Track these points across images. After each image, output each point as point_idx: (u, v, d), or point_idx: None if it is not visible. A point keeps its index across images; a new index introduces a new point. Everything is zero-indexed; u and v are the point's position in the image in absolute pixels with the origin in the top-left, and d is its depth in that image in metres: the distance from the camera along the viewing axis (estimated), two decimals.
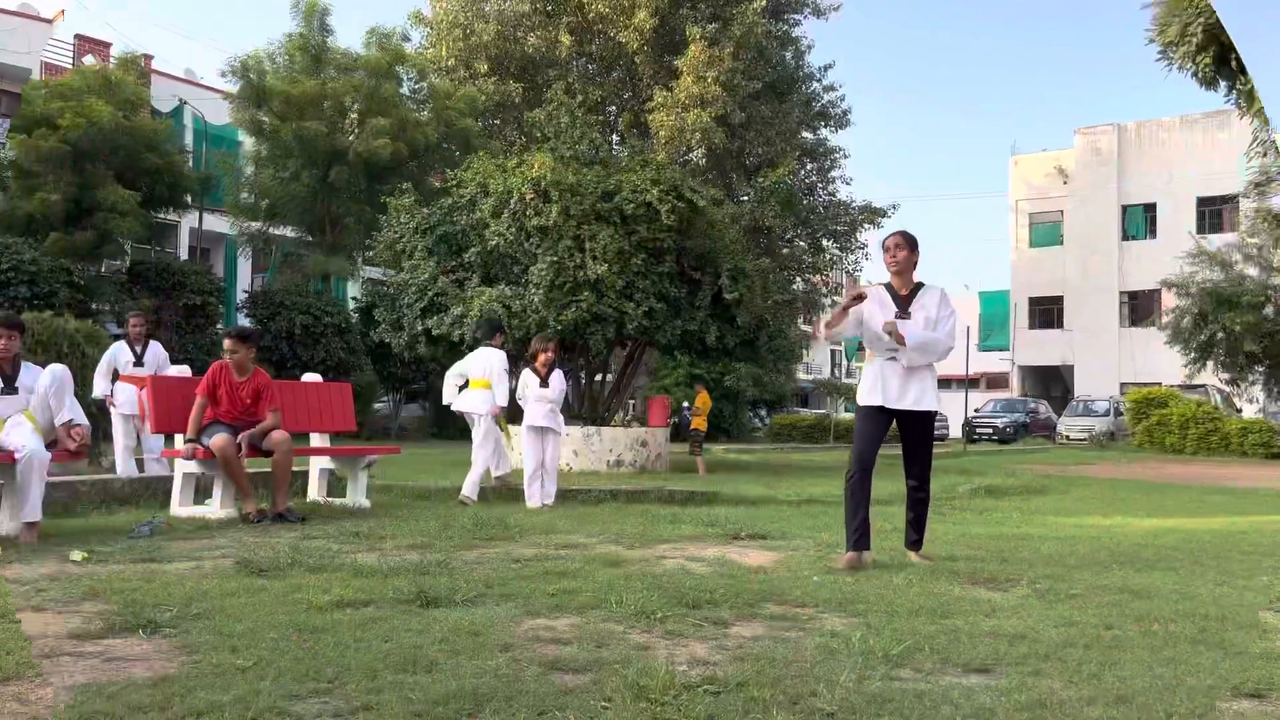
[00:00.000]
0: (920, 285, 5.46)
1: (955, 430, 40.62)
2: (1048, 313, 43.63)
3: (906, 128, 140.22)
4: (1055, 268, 42.55)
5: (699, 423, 14.11)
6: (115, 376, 9.17)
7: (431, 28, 28.94)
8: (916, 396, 5.23)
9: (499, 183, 13.01)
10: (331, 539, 5.69)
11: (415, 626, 3.42)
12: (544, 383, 8.35)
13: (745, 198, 21.07)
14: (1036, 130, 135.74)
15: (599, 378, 15.16)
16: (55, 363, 6.06)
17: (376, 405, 25.78)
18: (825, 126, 30.30)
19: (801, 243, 28.34)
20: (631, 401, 26.67)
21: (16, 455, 5.41)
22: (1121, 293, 40.76)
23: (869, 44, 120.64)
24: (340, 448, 8.18)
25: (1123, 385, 38.37)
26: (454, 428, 26.64)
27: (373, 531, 5.99)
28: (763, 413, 36.12)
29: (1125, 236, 40.94)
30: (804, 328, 44.09)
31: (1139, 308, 40.39)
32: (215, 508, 6.64)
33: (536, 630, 3.46)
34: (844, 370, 61.48)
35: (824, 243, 28.42)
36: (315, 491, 7.98)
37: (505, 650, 3.16)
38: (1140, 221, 40.87)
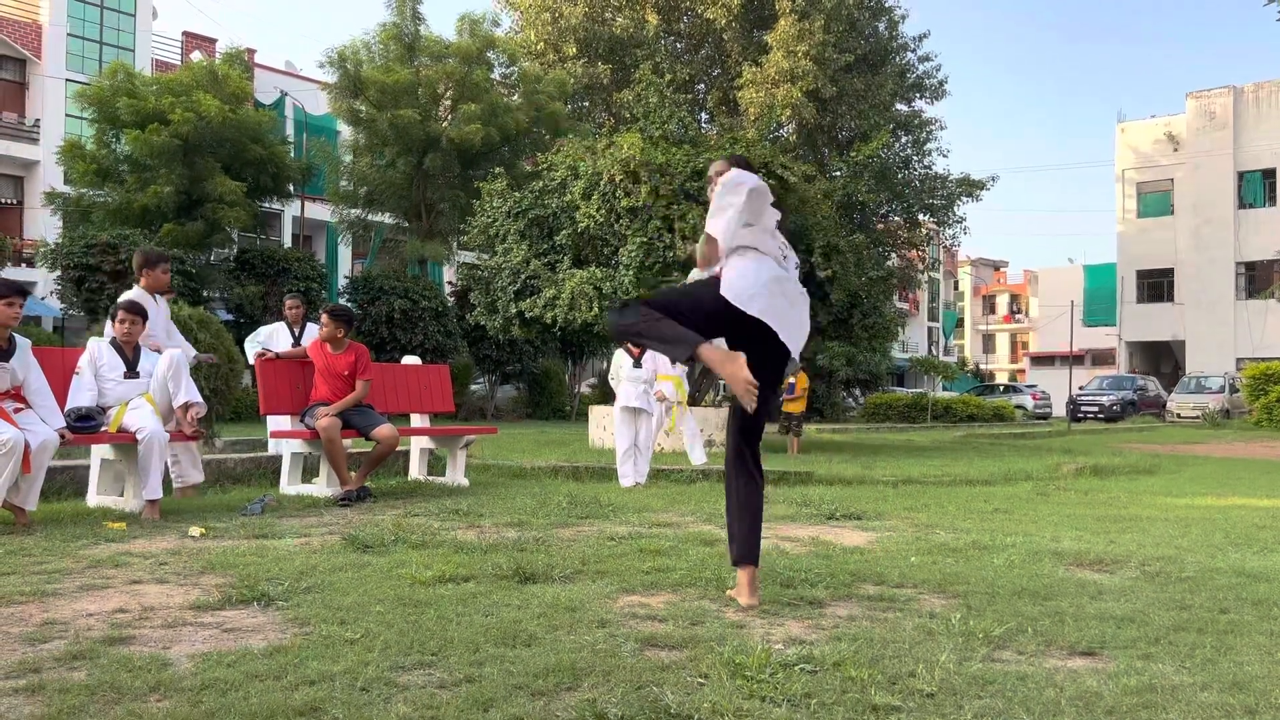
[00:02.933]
0: None
1: (1059, 409, 39.42)
2: (1157, 286, 41.88)
3: (1006, 96, 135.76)
4: (1165, 239, 40.77)
5: (795, 405, 13.76)
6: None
7: (521, 12, 29.18)
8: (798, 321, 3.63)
9: (589, 165, 13.07)
10: (432, 516, 5.84)
11: (514, 602, 3.50)
12: (637, 363, 8.40)
13: (838, 173, 20.72)
14: (1144, 96, 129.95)
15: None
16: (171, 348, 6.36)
17: (473, 386, 26.31)
18: (920, 98, 29.58)
19: (897, 217, 27.83)
20: (722, 381, 26.58)
21: (139, 436, 5.70)
22: (1238, 263, 38.80)
23: (966, 10, 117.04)
24: (439, 428, 8.38)
25: (1239, 360, 36.62)
26: (547, 408, 27.05)
27: (472, 509, 6.13)
28: (856, 392, 35.59)
29: (1242, 204, 38.92)
30: (899, 305, 43.19)
31: (1257, 278, 38.39)
32: (322, 486, 6.88)
33: (632, 607, 3.50)
34: (942, 348, 60.19)
35: (920, 217, 27.84)
36: (416, 470, 8.20)
37: (602, 626, 3.20)
38: (1258, 188, 38.78)
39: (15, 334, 5.35)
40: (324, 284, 23.95)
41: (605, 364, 29.56)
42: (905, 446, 15.67)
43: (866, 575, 4.17)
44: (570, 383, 28.47)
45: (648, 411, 8.45)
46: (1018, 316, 69.58)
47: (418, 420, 8.21)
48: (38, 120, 28.49)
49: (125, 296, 6.54)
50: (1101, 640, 3.14)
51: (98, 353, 5.94)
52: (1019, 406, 37.01)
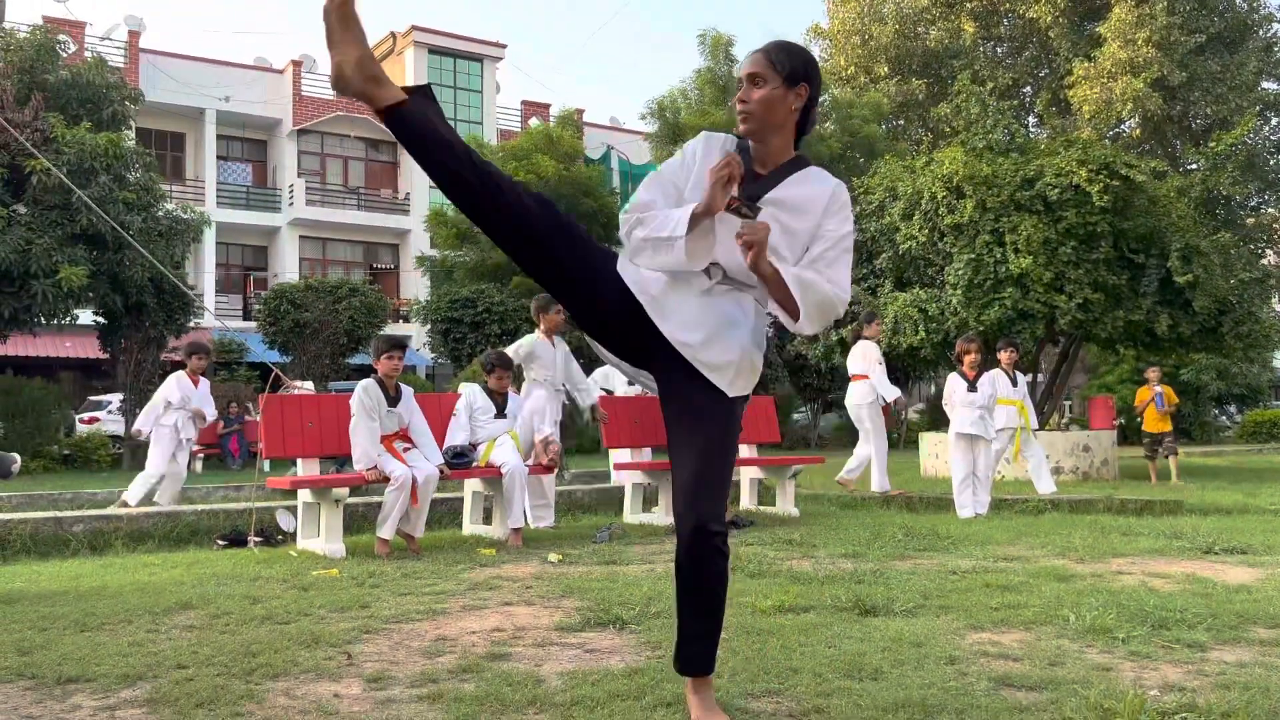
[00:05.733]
0: (799, 161, 2.73)
1: None
2: None
3: None
4: None
5: (1162, 424, 12.14)
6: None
7: (830, 39, 29.20)
8: (723, 350, 2.69)
9: (908, 184, 12.75)
10: (766, 545, 5.93)
11: (856, 634, 3.47)
12: (972, 386, 8.02)
13: (1194, 166, 18.64)
14: None
15: (1029, 378, 14.22)
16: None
17: (795, 416, 26.35)
18: None
19: (1270, 210, 24.54)
20: (1068, 403, 24.64)
21: (503, 470, 6.32)
22: None
23: None
24: (767, 458, 8.50)
25: None
26: None
27: (804, 539, 6.15)
28: (1230, 409, 31.50)
29: None
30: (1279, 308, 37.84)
31: None
32: (661, 515, 7.23)
33: (981, 644, 3.35)
34: None
35: None
36: (746, 500, 8.37)
37: (950, 663, 3.10)
38: None
39: (400, 383, 6.14)
40: None
41: (933, 388, 28.43)
42: None
43: (1257, 616, 3.69)
44: (895, 409, 27.69)
45: (986, 438, 8.02)
46: None
47: (746, 451, 8.38)
48: (408, 194, 32.67)
49: (528, 339, 7.41)
50: None
51: (473, 398, 6.68)
52: None
